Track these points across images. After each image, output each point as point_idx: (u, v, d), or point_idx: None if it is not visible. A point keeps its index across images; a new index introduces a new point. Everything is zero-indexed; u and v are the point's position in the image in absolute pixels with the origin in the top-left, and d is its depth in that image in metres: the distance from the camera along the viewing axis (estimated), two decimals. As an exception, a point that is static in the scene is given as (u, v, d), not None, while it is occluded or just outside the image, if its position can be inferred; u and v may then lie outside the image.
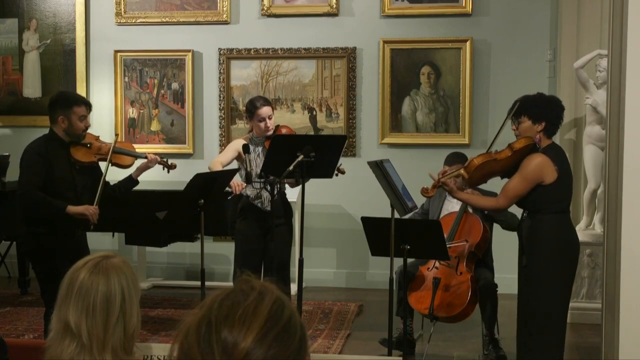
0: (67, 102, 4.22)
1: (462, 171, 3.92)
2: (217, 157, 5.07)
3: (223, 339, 1.13)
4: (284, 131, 4.77)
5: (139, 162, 4.50)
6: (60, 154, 4.22)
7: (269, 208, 4.65)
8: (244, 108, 5.09)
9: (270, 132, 4.70)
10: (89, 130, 4.35)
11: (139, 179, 4.49)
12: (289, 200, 6.28)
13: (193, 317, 1.19)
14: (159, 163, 4.49)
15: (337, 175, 4.51)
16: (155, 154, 4.57)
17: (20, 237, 4.34)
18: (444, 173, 4.08)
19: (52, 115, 4.22)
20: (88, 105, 4.28)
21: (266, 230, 4.68)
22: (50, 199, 4.13)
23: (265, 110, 4.68)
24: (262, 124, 4.68)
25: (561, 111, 3.93)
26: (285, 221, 4.76)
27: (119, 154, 4.40)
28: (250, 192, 4.71)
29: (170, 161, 4.61)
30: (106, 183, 4.36)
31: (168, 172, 4.65)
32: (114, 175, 4.46)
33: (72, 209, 4.14)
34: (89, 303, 1.82)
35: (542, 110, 3.86)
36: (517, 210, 4.25)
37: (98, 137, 4.47)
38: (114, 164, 4.38)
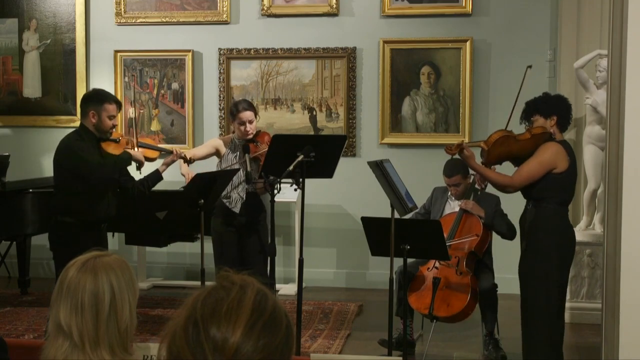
0: (100, 99, 4.42)
1: (482, 143, 4.06)
2: (194, 149, 5.40)
3: (212, 337, 1.14)
4: (265, 138, 4.82)
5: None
6: (91, 145, 4.41)
7: (236, 209, 4.74)
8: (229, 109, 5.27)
9: (250, 137, 4.80)
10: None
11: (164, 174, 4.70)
12: (289, 200, 6.33)
13: (178, 318, 1.19)
14: (181, 157, 4.74)
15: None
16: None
17: (50, 227, 4.54)
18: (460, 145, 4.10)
19: (84, 109, 4.42)
20: (119, 105, 4.49)
21: (238, 227, 4.79)
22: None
23: (245, 115, 4.77)
24: (242, 127, 4.79)
25: (569, 105, 4.13)
26: (259, 219, 4.84)
27: (145, 147, 4.66)
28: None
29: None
30: (132, 178, 4.60)
31: (188, 165, 4.85)
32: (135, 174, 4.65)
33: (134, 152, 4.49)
34: (77, 301, 1.81)
35: (551, 105, 4.05)
36: (516, 212, 4.27)
37: (122, 134, 4.75)
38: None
